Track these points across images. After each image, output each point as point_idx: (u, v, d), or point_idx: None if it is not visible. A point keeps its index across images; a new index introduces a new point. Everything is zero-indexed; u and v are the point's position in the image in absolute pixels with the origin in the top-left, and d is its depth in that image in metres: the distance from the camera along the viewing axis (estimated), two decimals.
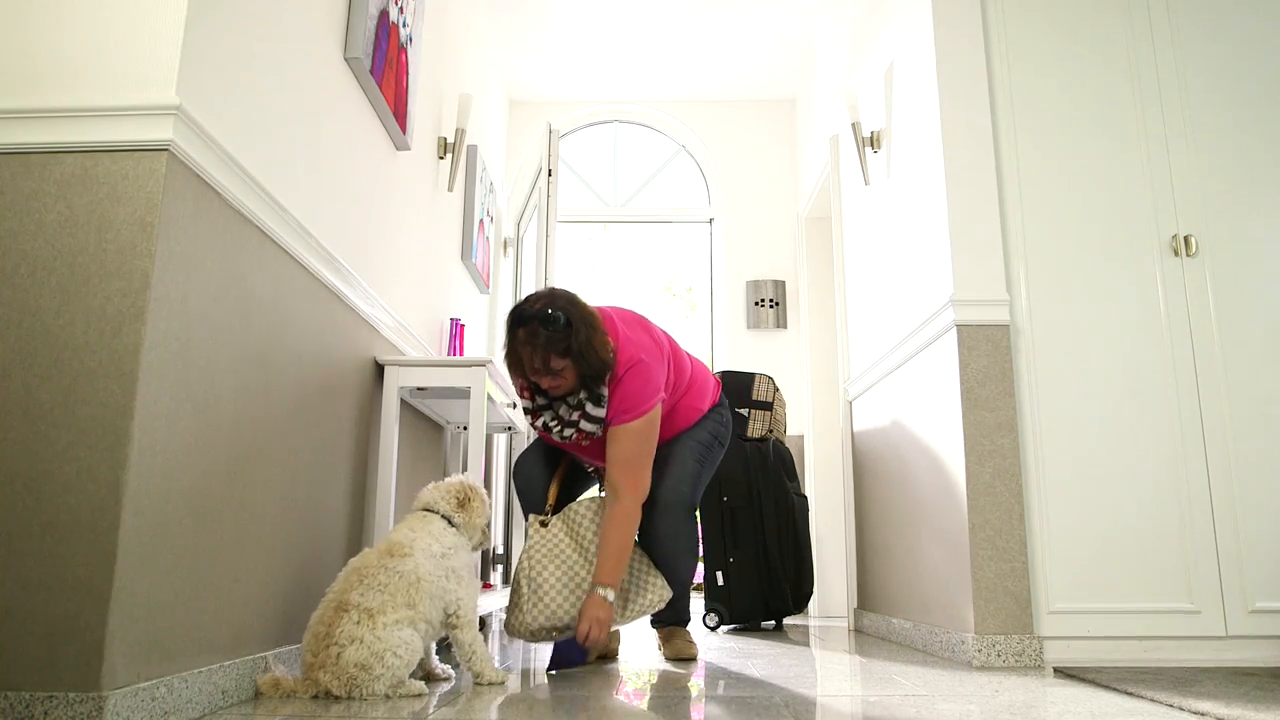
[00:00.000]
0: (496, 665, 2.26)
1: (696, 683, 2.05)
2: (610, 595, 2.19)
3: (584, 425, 2.24)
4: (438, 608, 1.88)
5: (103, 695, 1.31)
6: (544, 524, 2.36)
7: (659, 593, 2.33)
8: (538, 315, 2.15)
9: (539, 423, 2.33)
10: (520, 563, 2.29)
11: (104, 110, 1.49)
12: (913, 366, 2.93)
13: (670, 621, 2.60)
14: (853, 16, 3.85)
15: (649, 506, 2.36)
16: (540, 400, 2.30)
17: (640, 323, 2.40)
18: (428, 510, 2.01)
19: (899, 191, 3.12)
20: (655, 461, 2.36)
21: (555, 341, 2.12)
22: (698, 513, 2.61)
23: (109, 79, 1.51)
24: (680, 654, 2.48)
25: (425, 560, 1.88)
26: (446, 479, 2.11)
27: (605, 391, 2.23)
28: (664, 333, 2.47)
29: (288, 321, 1.98)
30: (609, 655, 2.50)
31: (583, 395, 2.22)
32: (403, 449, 2.81)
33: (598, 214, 5.29)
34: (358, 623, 1.73)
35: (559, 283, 3.98)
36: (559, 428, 2.28)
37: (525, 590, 2.23)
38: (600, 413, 2.23)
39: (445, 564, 1.92)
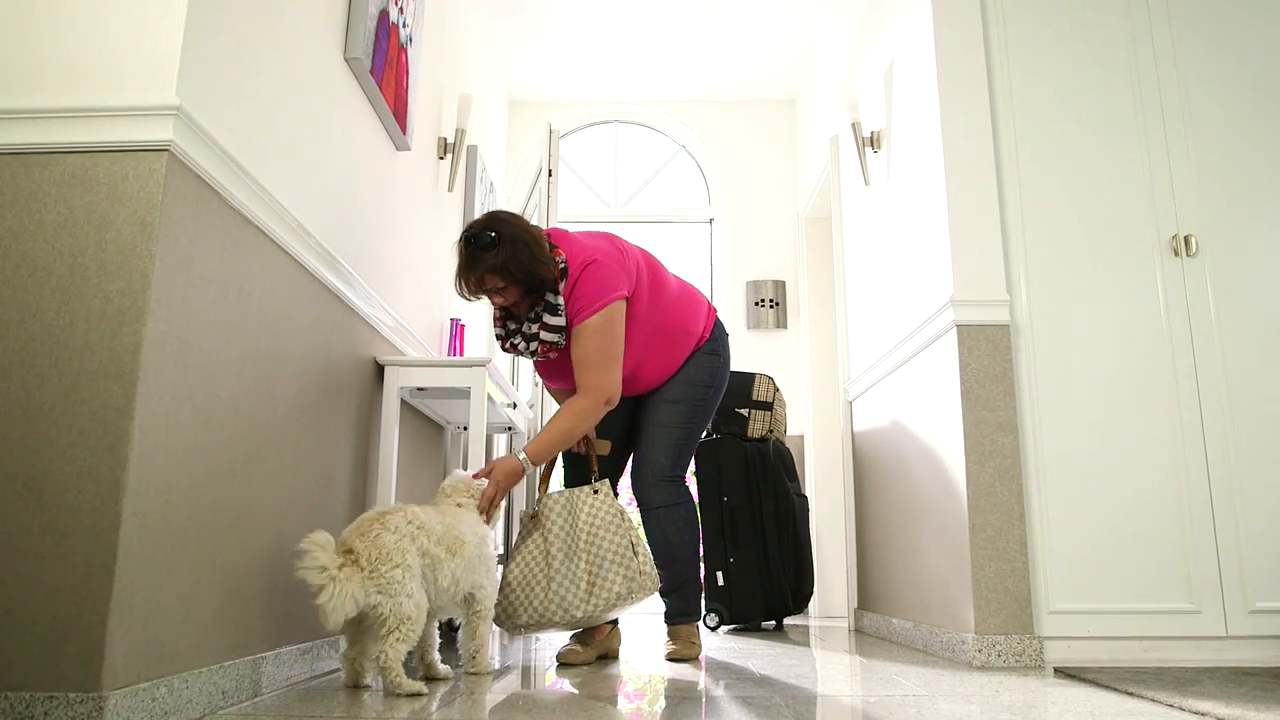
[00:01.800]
0: (495, 663, 2.28)
1: (697, 683, 2.05)
2: (525, 460, 2.24)
3: (544, 335, 2.31)
4: (466, 580, 1.96)
5: (103, 695, 1.31)
6: (533, 517, 2.40)
7: (624, 584, 2.24)
8: (471, 237, 2.24)
9: (508, 345, 2.40)
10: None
11: (104, 110, 1.49)
12: (913, 367, 2.93)
13: (675, 617, 2.56)
14: (853, 16, 3.85)
15: (635, 483, 2.47)
16: (511, 326, 2.38)
17: (606, 236, 2.45)
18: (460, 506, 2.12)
19: (899, 191, 3.12)
20: (636, 427, 2.45)
21: (484, 261, 2.21)
22: (697, 509, 2.61)
23: (109, 79, 1.51)
24: (675, 656, 2.46)
25: (470, 533, 2.00)
26: (459, 475, 2.17)
27: (560, 301, 2.28)
28: (641, 249, 2.50)
29: (288, 321, 1.98)
30: (610, 655, 2.51)
31: (539, 308, 2.30)
32: (403, 449, 2.81)
33: (598, 214, 5.29)
34: (408, 522, 1.84)
35: None
36: (524, 344, 2.36)
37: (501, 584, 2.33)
38: (558, 321, 2.29)
39: (482, 548, 2.03)
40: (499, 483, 2.20)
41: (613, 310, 2.30)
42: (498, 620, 2.29)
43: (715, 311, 2.64)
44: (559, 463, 2.59)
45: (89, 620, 1.33)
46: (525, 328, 2.34)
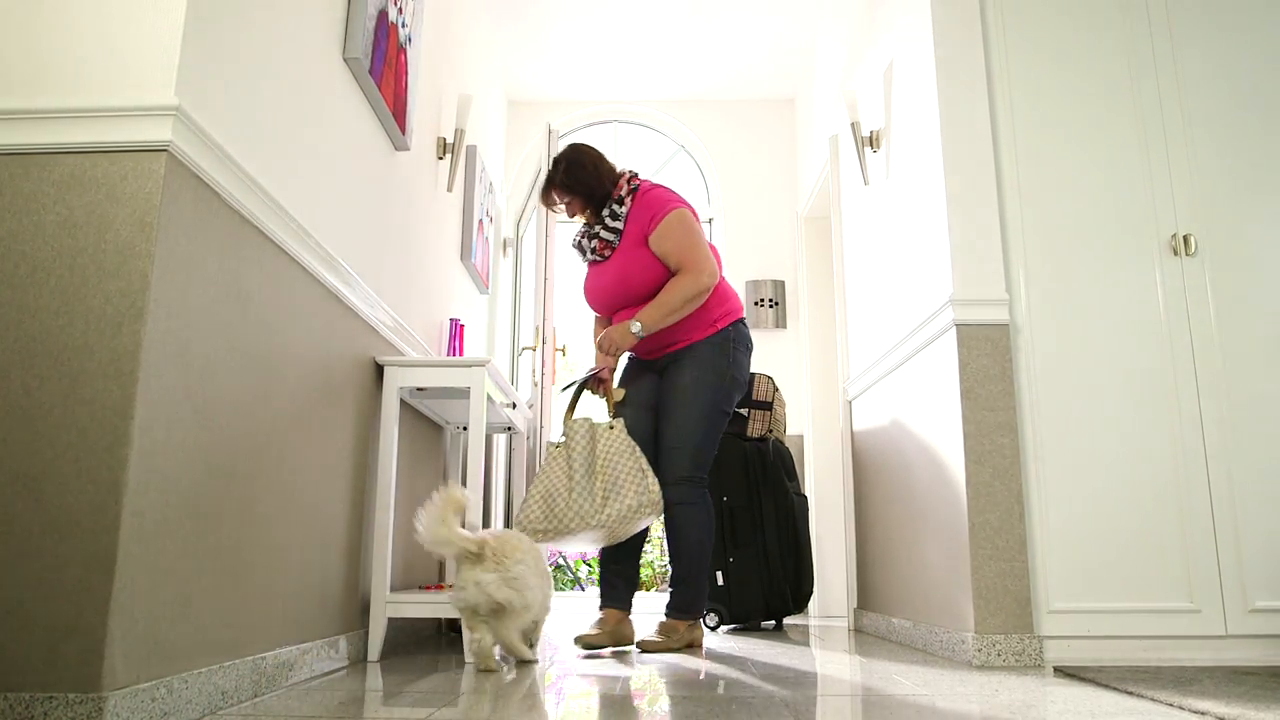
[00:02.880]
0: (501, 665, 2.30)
1: (698, 682, 2.05)
2: (635, 327, 2.66)
3: (603, 234, 2.79)
4: (539, 608, 2.26)
5: (103, 696, 1.31)
6: (558, 446, 2.65)
7: (635, 498, 2.50)
8: (553, 164, 2.84)
9: (577, 245, 2.91)
10: None
11: (103, 111, 1.49)
12: (912, 366, 2.93)
13: (669, 609, 2.71)
14: (852, 16, 3.85)
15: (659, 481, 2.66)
16: (585, 241, 2.86)
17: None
18: None
19: (898, 191, 3.12)
20: (659, 418, 2.74)
21: (553, 179, 2.81)
22: (713, 516, 2.77)
23: (108, 79, 1.51)
24: (645, 644, 2.63)
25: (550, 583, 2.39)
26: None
27: (621, 210, 2.77)
28: None
29: (287, 322, 1.98)
30: (623, 642, 2.64)
31: (604, 213, 2.79)
32: (402, 449, 2.81)
33: None
34: (525, 535, 2.30)
35: (559, 285, 4.00)
36: (586, 242, 2.85)
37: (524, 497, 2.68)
38: (616, 224, 2.77)
39: (548, 599, 2.35)
40: (614, 340, 2.69)
41: (682, 212, 2.73)
42: (519, 526, 2.57)
43: (741, 316, 2.84)
44: (585, 398, 2.83)
45: (89, 620, 1.33)
46: (591, 232, 2.83)
